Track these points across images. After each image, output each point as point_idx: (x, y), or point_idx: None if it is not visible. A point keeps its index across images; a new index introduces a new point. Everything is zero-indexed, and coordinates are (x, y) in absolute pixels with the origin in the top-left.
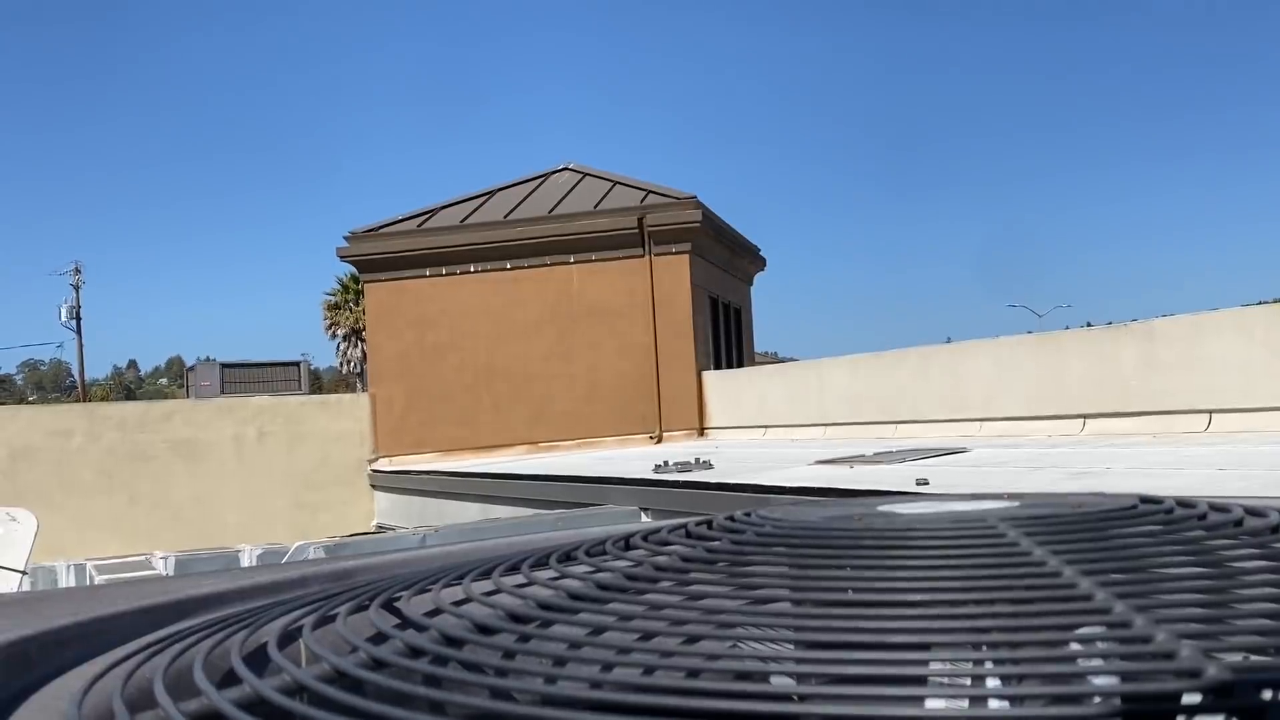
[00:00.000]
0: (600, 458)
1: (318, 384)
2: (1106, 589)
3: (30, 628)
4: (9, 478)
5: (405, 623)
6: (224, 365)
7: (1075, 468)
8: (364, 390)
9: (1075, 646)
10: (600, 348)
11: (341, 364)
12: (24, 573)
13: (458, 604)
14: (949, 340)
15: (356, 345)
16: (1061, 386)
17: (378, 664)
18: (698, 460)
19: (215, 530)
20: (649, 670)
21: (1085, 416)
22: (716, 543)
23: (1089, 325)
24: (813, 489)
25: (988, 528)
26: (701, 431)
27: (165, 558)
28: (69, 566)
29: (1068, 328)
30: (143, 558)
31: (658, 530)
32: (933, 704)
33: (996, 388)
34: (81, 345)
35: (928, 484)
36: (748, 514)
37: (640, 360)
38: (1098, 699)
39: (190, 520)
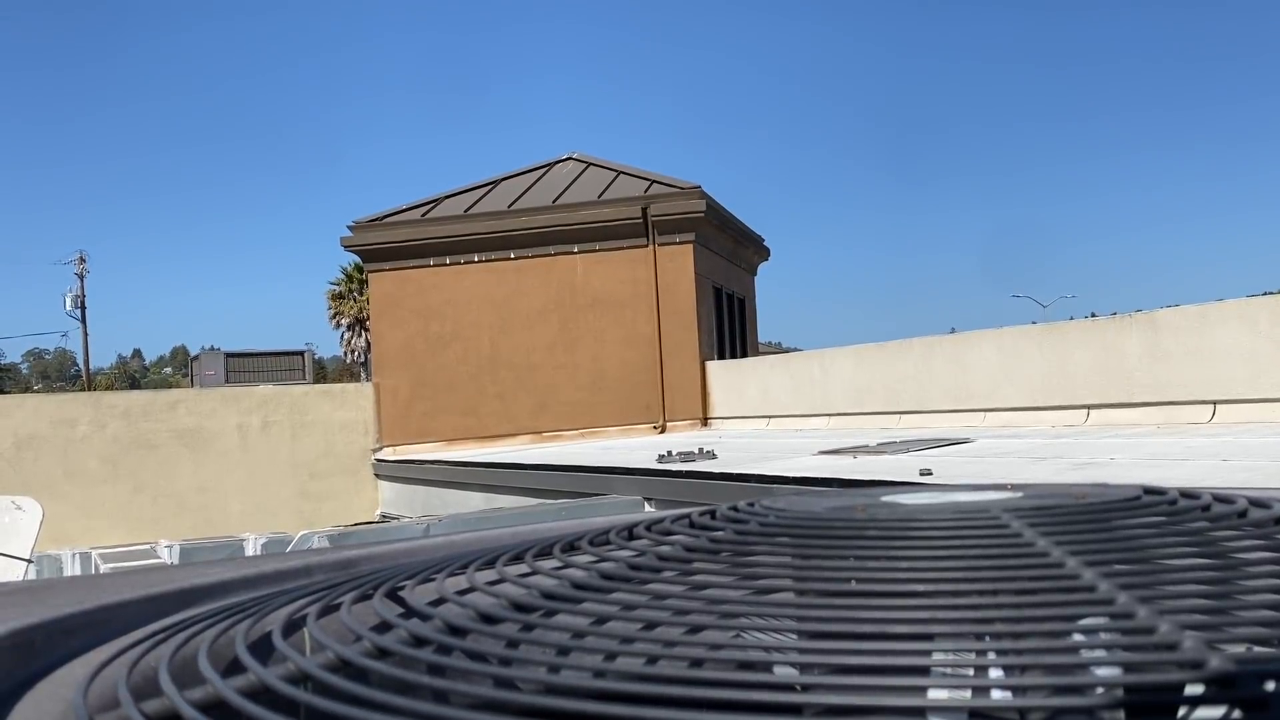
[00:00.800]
0: (604, 447)
1: (322, 373)
2: (1110, 580)
3: (36, 616)
4: (15, 466)
5: (409, 612)
6: (228, 354)
7: (1079, 458)
8: (368, 380)
9: (1078, 637)
10: (604, 338)
11: (346, 353)
12: (30, 561)
13: (461, 593)
14: (953, 330)
15: (360, 335)
16: (1066, 377)
17: (382, 653)
18: (701, 450)
19: (220, 519)
20: (652, 660)
21: (1089, 407)
22: (720, 533)
23: (1093, 316)
24: (816, 479)
25: (991, 518)
26: (705, 421)
27: (170, 546)
28: (74, 555)
29: (1072, 318)
30: (148, 546)
31: (661, 520)
32: (935, 694)
33: (1000, 378)
34: (86, 334)
35: (931, 474)
36: (751, 504)
37: (644, 350)
38: (1100, 689)
39: (195, 509)
